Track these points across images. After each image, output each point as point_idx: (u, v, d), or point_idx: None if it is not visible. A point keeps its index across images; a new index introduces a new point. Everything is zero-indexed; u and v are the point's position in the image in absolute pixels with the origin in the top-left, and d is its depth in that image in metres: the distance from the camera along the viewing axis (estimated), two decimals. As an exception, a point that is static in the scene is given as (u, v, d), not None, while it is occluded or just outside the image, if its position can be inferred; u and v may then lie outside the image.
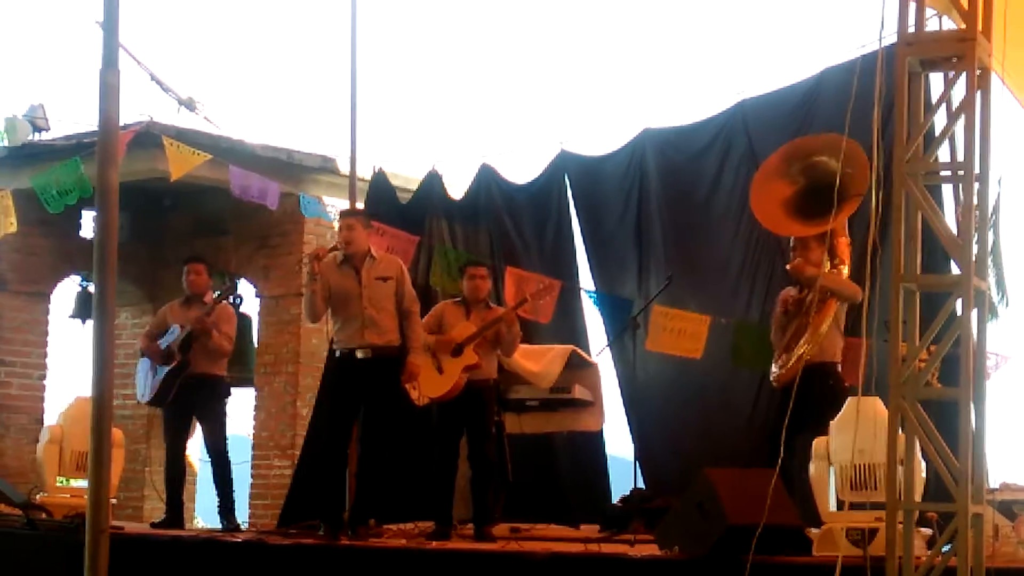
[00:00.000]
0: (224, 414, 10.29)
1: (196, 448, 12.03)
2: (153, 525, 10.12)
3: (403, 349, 8.87)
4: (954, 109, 5.92)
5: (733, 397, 9.97)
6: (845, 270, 8.33)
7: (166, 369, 9.90)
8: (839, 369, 8.32)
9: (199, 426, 10.34)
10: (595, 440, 10.84)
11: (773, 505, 6.33)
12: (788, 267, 8.44)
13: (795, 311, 8.33)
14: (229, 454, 10.16)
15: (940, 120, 6.14)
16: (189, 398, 9.94)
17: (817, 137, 8.56)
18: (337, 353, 9.01)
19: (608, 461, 11.02)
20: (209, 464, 10.19)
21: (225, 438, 10.21)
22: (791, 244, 8.47)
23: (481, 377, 9.10)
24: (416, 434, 9.91)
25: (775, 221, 8.55)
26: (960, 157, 5.88)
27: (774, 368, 8.44)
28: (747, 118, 10.17)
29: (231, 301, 10.18)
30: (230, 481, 10.14)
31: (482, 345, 9.08)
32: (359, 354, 8.80)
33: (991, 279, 8.51)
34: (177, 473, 10.18)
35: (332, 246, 9.29)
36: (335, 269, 8.94)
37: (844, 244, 8.34)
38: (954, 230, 5.87)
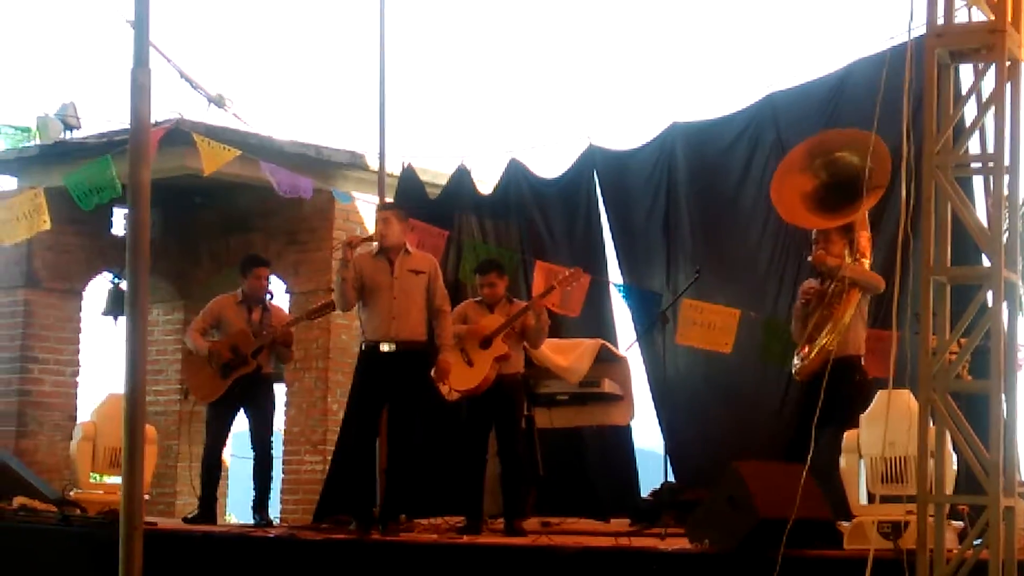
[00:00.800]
0: (274, 408, 10.33)
1: (228, 444, 12.07)
2: (186, 520, 10.16)
3: (430, 346, 8.89)
4: (984, 101, 5.91)
5: (762, 391, 9.96)
6: (866, 263, 8.31)
7: (236, 372, 9.93)
8: (863, 362, 8.30)
9: (237, 421, 10.36)
10: (624, 434, 10.85)
11: (804, 498, 6.33)
12: (810, 258, 8.42)
13: (817, 302, 8.31)
14: (273, 449, 10.22)
15: (970, 112, 6.13)
16: (244, 394, 9.99)
17: (840, 132, 8.55)
18: (363, 346, 9.05)
19: (637, 455, 11.03)
20: (240, 460, 10.23)
21: (272, 432, 10.24)
22: (813, 237, 8.45)
23: (510, 371, 9.11)
24: (446, 429, 9.93)
25: (796, 214, 8.54)
26: (990, 149, 5.87)
27: (796, 360, 8.43)
28: (776, 111, 10.15)
29: (270, 299, 10.26)
30: (270, 476, 10.18)
31: (510, 336, 9.10)
32: (384, 347, 8.82)
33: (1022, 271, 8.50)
34: (215, 467, 10.22)
35: (367, 236, 9.31)
36: (370, 259, 8.98)
37: (865, 238, 8.32)
38: (984, 222, 5.86)
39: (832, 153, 8.33)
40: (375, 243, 9.06)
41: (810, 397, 7.98)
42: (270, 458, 10.16)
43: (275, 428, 10.36)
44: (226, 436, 10.34)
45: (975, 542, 5.65)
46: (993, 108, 5.80)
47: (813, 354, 8.18)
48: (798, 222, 8.72)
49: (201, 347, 10.02)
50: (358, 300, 8.97)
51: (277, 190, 10.83)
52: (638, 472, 10.90)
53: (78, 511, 9.60)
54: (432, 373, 8.89)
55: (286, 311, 10.55)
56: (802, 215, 8.47)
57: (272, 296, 10.37)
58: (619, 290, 10.93)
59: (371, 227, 9.96)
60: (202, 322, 10.22)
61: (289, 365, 12.54)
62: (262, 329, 9.95)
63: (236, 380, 9.89)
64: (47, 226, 11.28)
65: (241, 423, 10.24)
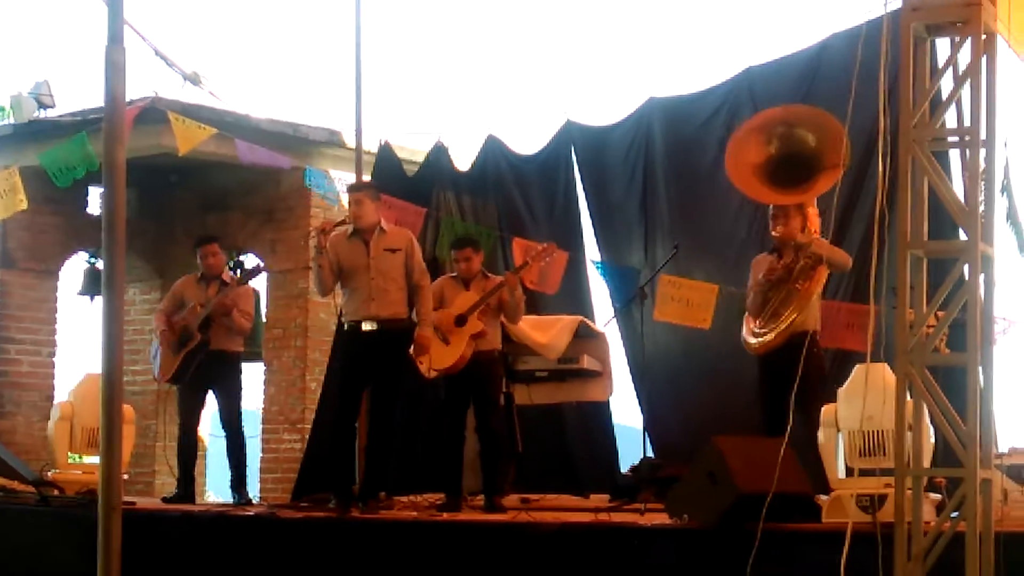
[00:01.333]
0: (241, 388, 10.34)
1: (206, 423, 12.06)
2: (165, 500, 10.17)
3: (411, 322, 8.88)
4: (960, 74, 5.90)
5: (741, 366, 9.92)
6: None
7: (185, 348, 9.93)
8: (818, 337, 8.32)
9: (210, 401, 10.36)
10: (602, 409, 10.87)
11: (783, 473, 6.35)
12: (774, 233, 8.40)
13: (784, 277, 8.30)
14: (244, 428, 10.21)
15: (946, 85, 6.12)
16: (206, 373, 9.99)
17: (794, 108, 8.58)
18: (344, 326, 9.03)
19: (616, 431, 11.05)
20: (220, 439, 10.24)
21: (240, 412, 10.26)
22: (771, 212, 8.45)
23: (486, 348, 9.12)
24: (424, 407, 9.94)
25: (748, 185, 8.53)
26: (967, 122, 5.87)
27: (752, 336, 8.43)
28: (753, 86, 10.16)
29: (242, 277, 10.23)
30: (244, 455, 10.21)
31: (485, 312, 9.10)
32: (365, 326, 8.81)
33: (1012, 237, 8.54)
34: (190, 448, 10.23)
35: (340, 220, 9.29)
36: (344, 241, 8.95)
37: (813, 214, 8.35)
38: (961, 196, 5.86)
39: (787, 127, 8.34)
40: (349, 225, 9.03)
41: (770, 372, 8.19)
42: (241, 437, 10.17)
43: (244, 407, 10.35)
44: (197, 416, 10.33)
45: (952, 514, 5.67)
46: (969, 81, 5.80)
47: (780, 329, 8.19)
48: (752, 195, 8.70)
49: (156, 327, 10.08)
50: (336, 283, 8.95)
51: (243, 161, 10.81)
52: (617, 448, 10.93)
53: (56, 491, 9.59)
54: (411, 350, 8.88)
55: (249, 286, 10.44)
56: (755, 187, 8.47)
57: (242, 272, 10.31)
58: (597, 266, 10.93)
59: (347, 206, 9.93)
60: (167, 303, 10.29)
61: (267, 344, 12.54)
62: (219, 307, 9.93)
63: (189, 356, 9.89)
64: (24, 206, 11.25)
65: (214, 403, 10.24)
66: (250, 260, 13.23)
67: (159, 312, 10.27)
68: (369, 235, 8.92)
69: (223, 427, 10.14)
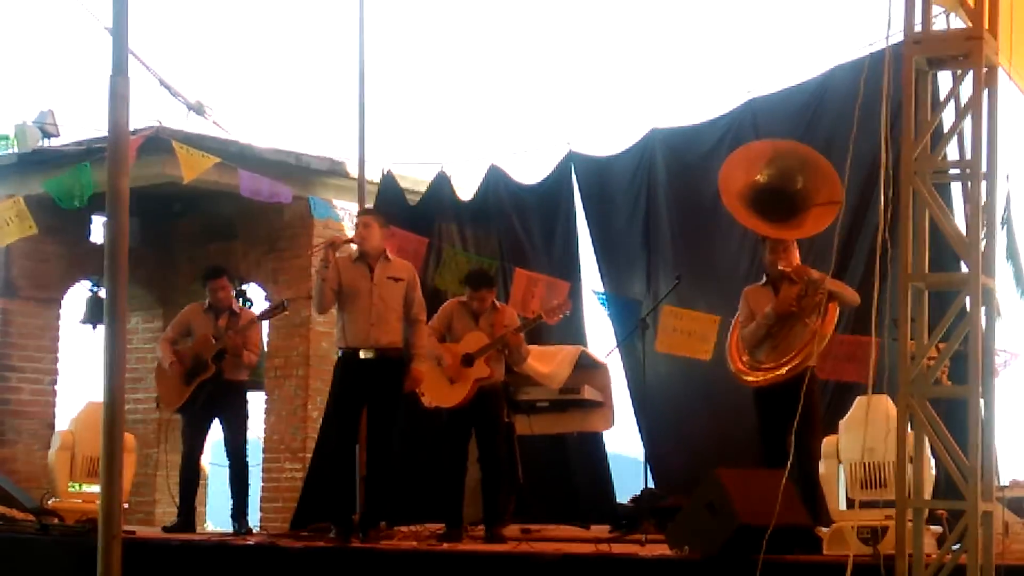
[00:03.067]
0: (247, 417, 10.36)
1: (207, 452, 12.05)
2: (165, 529, 10.15)
3: (406, 353, 8.88)
4: (962, 107, 5.92)
5: (742, 398, 9.93)
6: None
7: (197, 378, 9.93)
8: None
9: (212, 430, 10.36)
10: (596, 439, 10.86)
11: (783, 505, 6.34)
12: (786, 268, 8.36)
13: (798, 313, 8.29)
14: (248, 458, 10.22)
15: (948, 118, 6.14)
16: (213, 402, 9.99)
17: (783, 144, 8.62)
18: (341, 352, 9.03)
19: (618, 461, 11.03)
20: (219, 468, 10.24)
21: (246, 441, 10.27)
22: (769, 245, 8.45)
23: (490, 381, 9.11)
24: (425, 436, 9.92)
25: (738, 211, 8.52)
26: (968, 155, 5.88)
27: (748, 369, 8.43)
28: (756, 116, 10.18)
29: (248, 306, 10.29)
30: (247, 484, 10.20)
31: (492, 354, 9.10)
32: (362, 354, 8.81)
33: (1011, 274, 8.54)
34: (193, 476, 10.24)
35: (349, 238, 9.30)
36: (349, 264, 8.97)
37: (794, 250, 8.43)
38: (962, 229, 5.87)
39: (780, 161, 8.36)
40: (355, 247, 9.05)
41: (769, 405, 8.23)
42: (245, 466, 10.16)
43: (249, 436, 10.36)
44: (201, 444, 10.33)
45: (954, 547, 5.66)
46: (971, 114, 5.81)
47: (793, 365, 8.17)
48: (741, 219, 8.67)
49: (164, 356, 10.07)
50: (334, 303, 8.97)
51: (244, 193, 10.84)
52: (611, 477, 10.90)
53: (56, 520, 9.58)
54: (405, 382, 8.88)
55: (254, 314, 10.52)
56: (742, 212, 8.47)
57: (251, 304, 10.40)
58: (599, 297, 10.92)
59: (351, 234, 9.95)
60: (172, 331, 10.30)
61: (269, 373, 12.55)
62: (225, 334, 9.97)
63: (200, 386, 9.92)
64: (34, 231, 11.31)
65: (217, 431, 10.23)
66: (254, 291, 13.24)
67: (164, 340, 10.28)
68: (374, 261, 8.94)
69: (228, 456, 10.13)
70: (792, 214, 8.08)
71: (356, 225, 9.17)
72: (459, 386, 9.01)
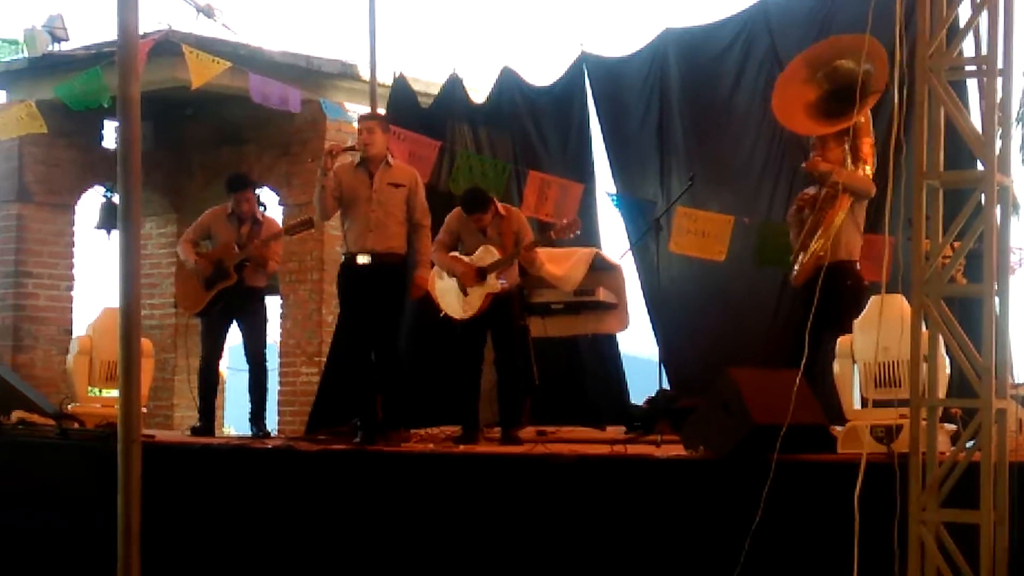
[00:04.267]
0: (266, 321, 10.38)
1: (224, 357, 12.13)
2: (192, 431, 10.20)
3: (407, 258, 8.87)
4: (978, 2, 5.85)
5: (757, 297, 9.97)
6: (868, 170, 8.24)
7: (218, 284, 9.95)
8: (858, 267, 8.27)
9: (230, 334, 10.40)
10: (610, 341, 10.88)
11: (798, 404, 6.36)
12: (803, 165, 8.39)
13: (810, 209, 8.29)
14: (268, 361, 10.27)
15: (964, 13, 6.07)
16: (233, 307, 10.02)
17: (837, 39, 8.45)
18: (342, 257, 9.02)
19: (631, 362, 11.06)
20: (236, 372, 10.28)
21: (266, 344, 10.31)
22: (811, 144, 8.40)
23: (504, 286, 9.10)
24: (439, 340, 9.95)
25: (797, 122, 8.46)
26: (984, 51, 5.82)
27: (795, 268, 8.43)
28: (769, 16, 10.09)
29: (263, 210, 10.28)
30: (265, 388, 10.25)
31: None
32: (360, 259, 8.80)
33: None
34: (212, 380, 10.29)
35: (349, 145, 9.25)
36: (350, 171, 8.94)
37: (868, 144, 8.23)
38: (978, 126, 5.83)
39: (832, 62, 8.23)
40: (357, 153, 9.00)
41: (808, 303, 8.04)
42: (265, 371, 10.21)
43: (268, 341, 10.39)
44: (220, 349, 10.35)
45: (968, 444, 5.68)
46: (987, 9, 5.75)
47: (804, 259, 8.17)
48: (797, 129, 8.64)
49: (188, 257, 10.08)
50: (337, 210, 8.95)
51: (255, 100, 10.79)
52: (625, 378, 10.95)
53: (76, 424, 9.66)
54: (410, 290, 8.88)
55: (279, 223, 10.53)
56: (802, 122, 8.39)
57: (265, 208, 10.39)
58: (612, 199, 10.89)
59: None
60: (193, 233, 10.26)
61: (284, 278, 12.57)
62: (248, 243, 9.97)
63: (219, 293, 9.93)
64: (44, 130, 11.26)
65: (236, 336, 10.27)
66: (267, 194, 13.22)
67: (185, 241, 10.23)
68: (375, 167, 8.89)
69: (248, 360, 10.15)
70: (848, 108, 7.88)
71: (359, 130, 9.08)
72: (473, 298, 8.99)
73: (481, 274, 8.97)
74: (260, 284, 10.19)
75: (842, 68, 8.10)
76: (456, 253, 9.07)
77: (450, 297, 9.03)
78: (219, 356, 10.37)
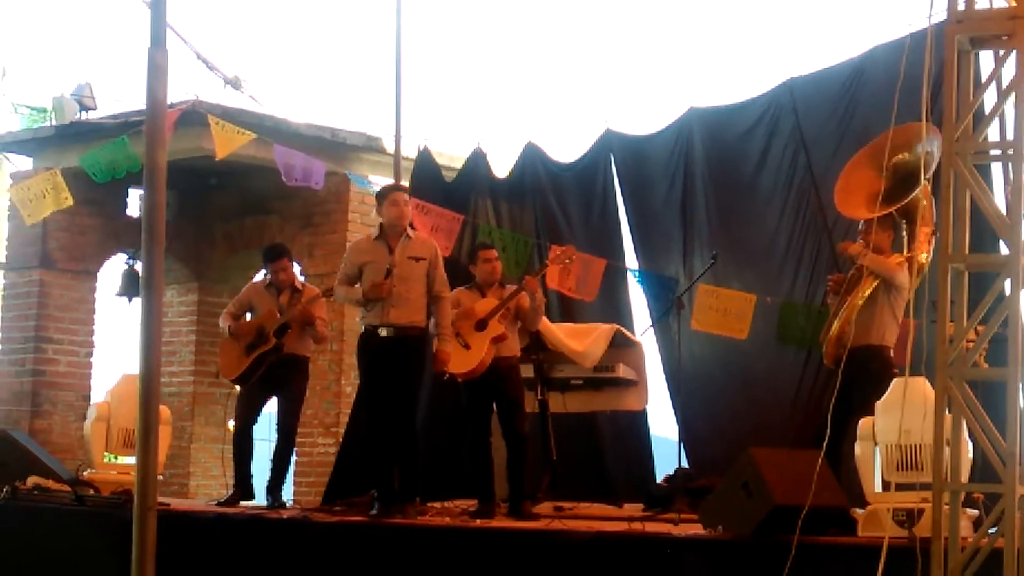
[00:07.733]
0: (303, 394, 10.33)
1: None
2: (220, 504, 10.06)
3: (427, 331, 8.85)
4: (1004, 87, 5.87)
5: (778, 377, 9.94)
6: (923, 257, 8.09)
7: (257, 350, 9.93)
8: (889, 352, 8.19)
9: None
10: (639, 419, 10.83)
11: (818, 485, 6.32)
12: (838, 246, 8.39)
13: (834, 292, 8.30)
14: (296, 435, 10.22)
15: (990, 99, 6.08)
16: (275, 376, 9.98)
17: (899, 130, 8.39)
18: (363, 328, 9.00)
19: (652, 441, 11.00)
20: (256, 442, 10.22)
21: (298, 419, 10.27)
22: (860, 228, 8.34)
23: (507, 354, 9.09)
24: (449, 412, 9.92)
25: (851, 207, 8.30)
26: (1010, 136, 5.83)
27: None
28: (795, 97, 10.11)
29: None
30: (289, 461, 10.20)
31: (505, 317, 9.08)
32: (382, 332, 8.77)
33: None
34: (247, 449, 10.18)
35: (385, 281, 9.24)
36: (370, 243, 8.91)
37: (924, 233, 8.12)
38: (1003, 209, 5.83)
39: (896, 154, 8.13)
40: (373, 228, 9.02)
41: (833, 384, 7.98)
42: (292, 444, 10.19)
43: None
44: (255, 418, 10.24)
45: (990, 530, 5.63)
46: (1013, 95, 5.76)
47: (829, 341, 8.15)
48: (854, 215, 8.50)
49: (227, 324, 10.06)
50: (358, 281, 8.93)
51: (286, 180, 10.84)
52: (653, 458, 10.88)
53: (92, 491, 9.62)
54: (434, 365, 8.86)
55: (318, 290, 10.50)
56: (856, 208, 8.26)
57: (306, 278, 10.39)
58: (635, 275, 10.90)
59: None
60: (234, 307, 10.28)
61: (322, 346, 12.54)
62: (289, 309, 9.96)
63: (258, 359, 9.87)
64: (70, 202, 11.36)
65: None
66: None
67: (226, 314, 10.20)
68: (395, 241, 8.85)
69: (278, 430, 10.07)
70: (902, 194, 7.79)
71: (398, 201, 8.99)
72: (475, 350, 8.98)
73: (481, 324, 9.01)
74: (304, 352, 10.16)
75: (900, 161, 7.99)
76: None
77: (454, 354, 8.97)
78: (253, 423, 10.26)
